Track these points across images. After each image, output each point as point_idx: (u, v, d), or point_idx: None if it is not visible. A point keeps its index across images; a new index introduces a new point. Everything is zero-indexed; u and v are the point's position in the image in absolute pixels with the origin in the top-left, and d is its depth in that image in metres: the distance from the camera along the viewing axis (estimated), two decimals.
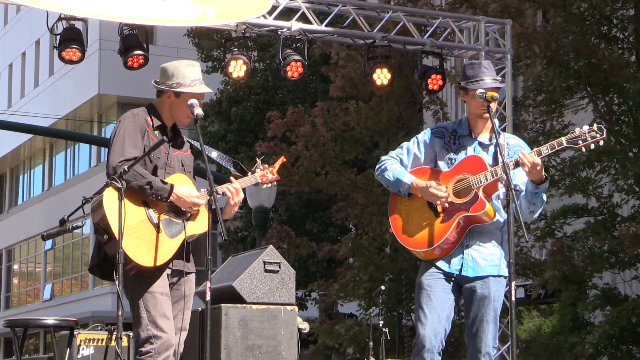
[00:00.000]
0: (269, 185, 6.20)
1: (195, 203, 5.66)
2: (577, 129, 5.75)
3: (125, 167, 5.47)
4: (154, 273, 5.61)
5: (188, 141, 6.02)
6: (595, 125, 5.74)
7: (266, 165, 6.17)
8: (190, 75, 5.81)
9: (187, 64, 5.89)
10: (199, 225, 5.75)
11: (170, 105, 5.84)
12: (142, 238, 5.54)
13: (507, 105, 12.43)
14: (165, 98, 5.85)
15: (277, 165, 6.24)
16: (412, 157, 6.00)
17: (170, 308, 5.66)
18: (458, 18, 12.87)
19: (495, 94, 5.79)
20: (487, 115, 5.85)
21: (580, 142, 5.70)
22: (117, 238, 5.43)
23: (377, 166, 6.09)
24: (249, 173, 6.10)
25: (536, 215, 5.94)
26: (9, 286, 45.45)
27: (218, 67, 24.17)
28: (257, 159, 6.22)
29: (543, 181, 5.70)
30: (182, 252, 5.68)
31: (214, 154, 6.18)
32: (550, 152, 5.71)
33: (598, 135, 5.69)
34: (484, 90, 5.77)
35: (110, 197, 5.51)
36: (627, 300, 15.46)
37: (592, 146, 5.71)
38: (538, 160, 5.63)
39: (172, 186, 5.63)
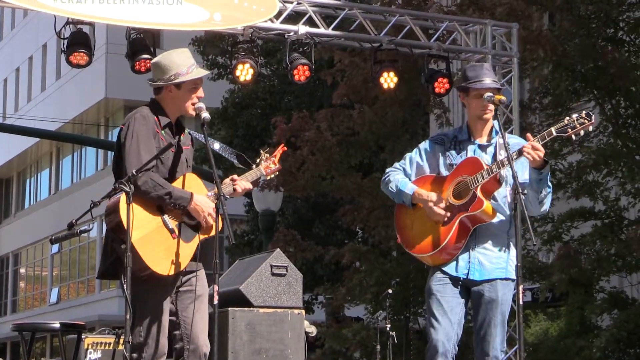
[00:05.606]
0: (272, 176, 6.13)
1: (211, 215, 5.58)
2: (566, 118, 5.75)
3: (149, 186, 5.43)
4: (165, 280, 5.54)
5: (190, 133, 5.90)
6: (583, 112, 5.74)
7: (268, 156, 6.07)
8: (184, 63, 5.68)
9: (177, 52, 5.75)
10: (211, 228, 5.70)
11: (173, 99, 5.71)
12: (161, 245, 5.47)
13: (514, 108, 12.42)
14: (166, 93, 5.71)
15: (278, 154, 6.14)
16: (415, 166, 6.05)
17: (167, 316, 5.59)
18: (464, 21, 12.89)
19: (503, 98, 5.83)
20: (487, 116, 5.89)
21: (569, 129, 5.70)
22: (132, 244, 5.36)
23: (382, 178, 6.15)
24: (253, 166, 6.02)
25: (546, 206, 5.89)
26: (16, 290, 45.51)
27: (223, 74, 24.14)
28: (261, 152, 6.10)
29: (544, 165, 5.70)
30: (197, 255, 5.65)
31: (216, 146, 6.07)
32: (541, 143, 5.68)
33: (586, 121, 5.69)
34: (492, 94, 5.80)
35: (126, 204, 5.42)
36: (634, 303, 15.44)
37: (582, 133, 5.70)
38: (539, 145, 5.63)
39: (191, 195, 5.56)
